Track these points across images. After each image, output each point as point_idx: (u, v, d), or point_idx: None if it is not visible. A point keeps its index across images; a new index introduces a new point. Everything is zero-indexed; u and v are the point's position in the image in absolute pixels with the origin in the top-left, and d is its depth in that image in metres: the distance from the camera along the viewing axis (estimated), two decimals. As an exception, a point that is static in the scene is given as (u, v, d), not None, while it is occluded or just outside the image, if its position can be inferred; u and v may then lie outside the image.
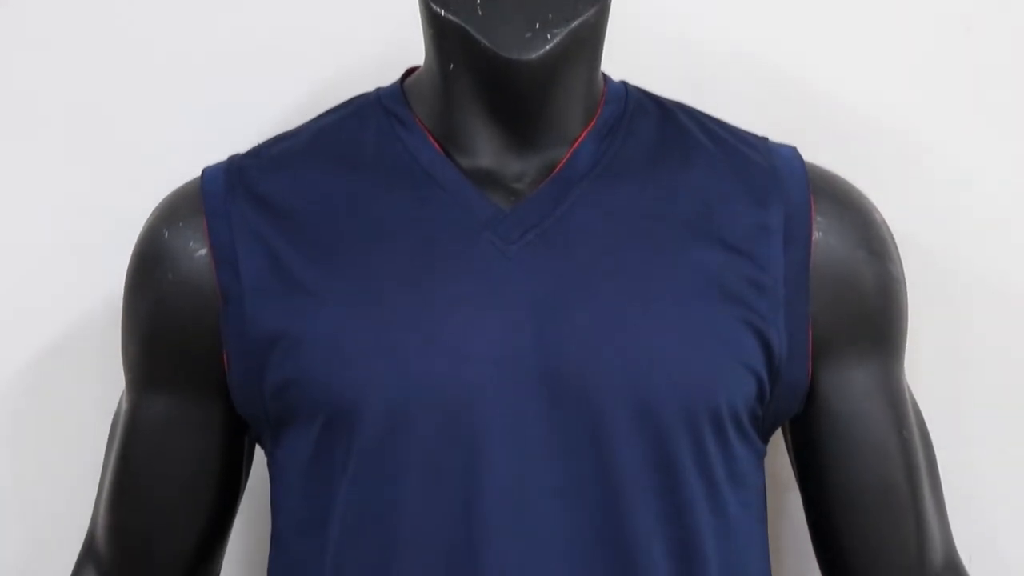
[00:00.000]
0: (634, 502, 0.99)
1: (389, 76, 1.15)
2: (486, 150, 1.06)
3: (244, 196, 1.06)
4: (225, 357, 1.05)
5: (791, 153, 1.10)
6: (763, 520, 1.09)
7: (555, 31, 1.02)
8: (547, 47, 1.01)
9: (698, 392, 1.00)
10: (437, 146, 1.06)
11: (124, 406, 1.12)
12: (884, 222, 1.12)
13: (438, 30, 1.04)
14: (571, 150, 1.06)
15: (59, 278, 1.33)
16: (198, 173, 1.10)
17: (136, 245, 1.10)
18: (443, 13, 1.03)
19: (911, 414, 1.11)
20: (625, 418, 0.99)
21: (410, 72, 1.13)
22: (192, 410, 1.09)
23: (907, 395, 1.12)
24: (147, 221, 1.11)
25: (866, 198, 1.12)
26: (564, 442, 0.99)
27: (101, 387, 1.29)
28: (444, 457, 0.99)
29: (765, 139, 1.12)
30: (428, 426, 0.99)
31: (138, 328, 1.09)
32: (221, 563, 1.19)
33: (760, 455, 1.08)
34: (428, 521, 0.99)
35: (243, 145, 1.12)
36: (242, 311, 1.04)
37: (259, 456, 1.13)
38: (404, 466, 0.99)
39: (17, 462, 1.36)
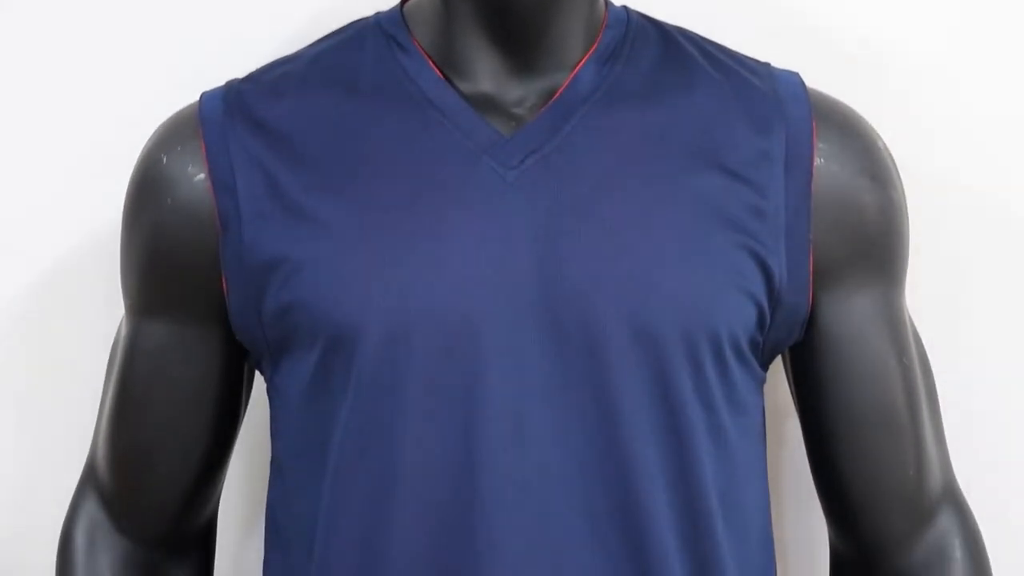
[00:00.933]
0: (633, 427, 0.99)
1: (388, 1, 1.14)
2: (486, 75, 1.05)
3: (242, 121, 1.06)
4: (224, 282, 1.05)
5: (793, 79, 1.09)
6: (762, 447, 1.09)
7: None
8: None
9: (698, 318, 1.00)
10: (437, 71, 1.05)
11: (123, 332, 1.12)
12: (887, 149, 1.11)
13: None
14: (572, 75, 1.05)
15: (58, 204, 1.33)
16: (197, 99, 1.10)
17: (134, 171, 1.10)
18: None
19: (911, 341, 1.11)
20: (624, 343, 0.99)
21: None
22: (191, 335, 1.09)
23: (907, 322, 1.12)
24: (145, 147, 1.10)
25: (869, 124, 1.11)
26: (563, 366, 0.99)
27: (101, 313, 1.29)
28: (444, 381, 0.99)
29: (767, 64, 1.11)
30: (428, 350, 0.99)
31: (137, 253, 1.09)
32: (221, 489, 1.19)
33: (760, 382, 1.08)
34: (428, 444, 0.99)
35: (243, 73, 1.11)
36: (240, 236, 1.03)
37: (259, 384, 1.14)
38: (403, 390, 0.99)
39: (17, 389, 1.36)
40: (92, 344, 1.27)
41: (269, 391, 1.09)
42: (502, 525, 0.98)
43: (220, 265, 1.05)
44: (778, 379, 1.21)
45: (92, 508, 1.15)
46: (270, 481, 1.10)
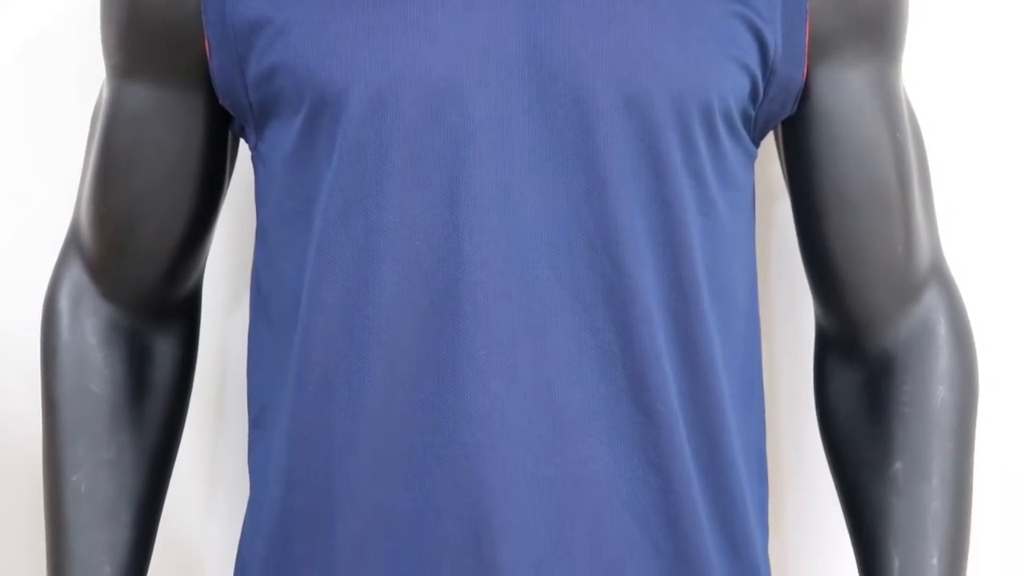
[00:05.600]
0: (620, 196, 0.98)
1: None
2: None
3: None
4: (206, 43, 1.03)
5: None
6: (751, 222, 1.09)
7: None
8: None
9: (689, 86, 0.98)
10: None
11: (105, 94, 1.10)
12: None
13: None
14: None
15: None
16: None
17: None
18: None
19: (906, 117, 1.10)
20: (613, 110, 0.97)
21: None
22: (173, 98, 1.07)
23: (903, 98, 1.10)
24: None
25: None
26: (551, 134, 0.98)
27: (83, 75, 1.27)
28: (429, 143, 0.97)
29: None
30: (413, 112, 0.97)
31: (117, 12, 1.06)
32: (205, 259, 1.19)
33: (751, 157, 1.07)
34: (412, 209, 0.98)
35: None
36: None
37: (244, 157, 1.12)
38: (388, 154, 0.98)
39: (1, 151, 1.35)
40: (76, 106, 1.25)
41: (254, 159, 1.08)
42: (486, 291, 0.98)
43: (202, 25, 1.02)
44: (769, 159, 1.20)
45: (76, 273, 1.15)
46: (255, 249, 1.09)
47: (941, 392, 1.10)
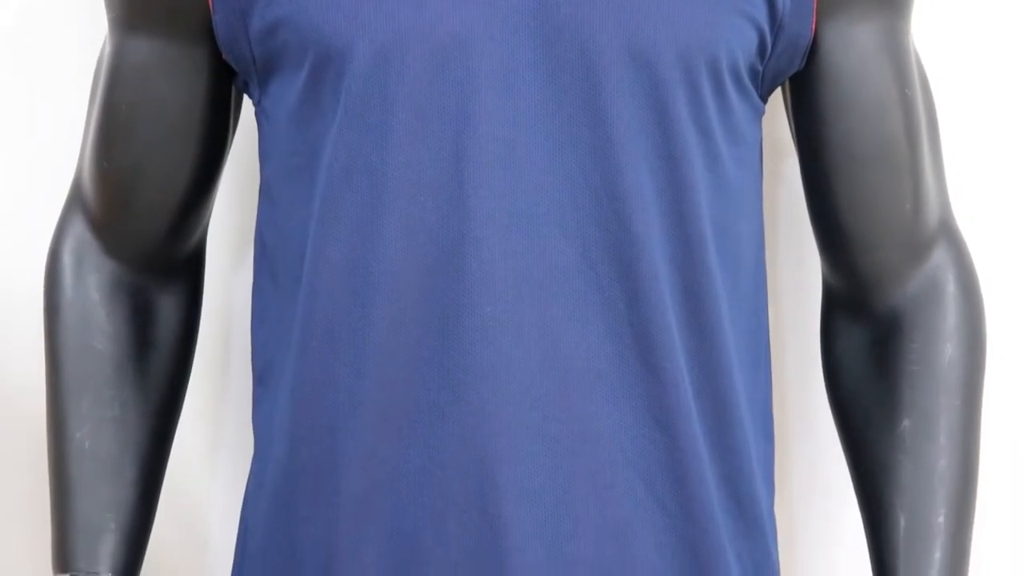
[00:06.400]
0: (627, 152, 0.98)
1: None
2: None
3: None
4: (209, -1, 1.02)
5: None
6: (758, 179, 1.08)
7: None
8: None
9: (696, 41, 0.97)
10: None
11: (107, 49, 1.09)
12: None
13: None
14: None
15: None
16: None
17: None
18: None
19: (915, 73, 1.09)
20: (620, 65, 0.96)
21: None
22: (175, 53, 1.06)
23: (912, 53, 1.09)
24: None
25: None
26: (557, 89, 0.97)
27: (86, 28, 1.26)
28: (434, 98, 0.97)
29: None
30: (418, 67, 0.96)
31: (118, -36, 1.05)
32: (209, 216, 1.19)
33: (759, 113, 1.06)
34: (417, 164, 0.97)
35: None
36: None
37: (247, 113, 1.11)
38: (393, 109, 0.97)
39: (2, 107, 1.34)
40: (79, 61, 1.24)
41: (257, 114, 1.07)
42: (492, 247, 0.97)
43: None
44: (778, 117, 1.19)
45: (79, 229, 1.14)
46: (259, 205, 1.09)
47: (949, 350, 1.09)
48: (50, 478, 1.12)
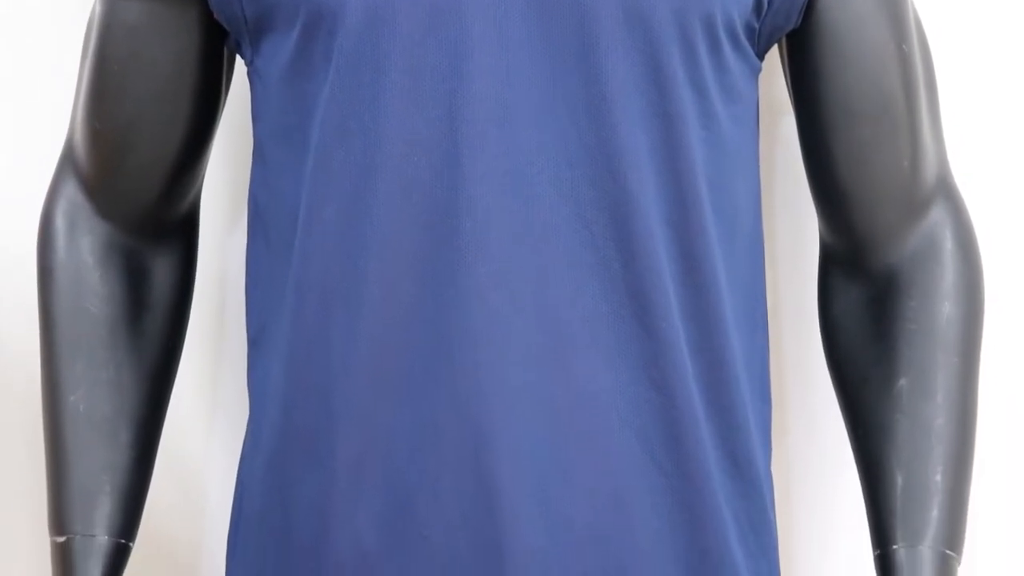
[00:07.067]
0: (621, 110, 0.97)
1: None
2: None
3: None
4: (199, -46, 1.01)
5: None
6: (754, 137, 1.08)
7: None
8: None
9: None
10: None
11: (98, 8, 1.09)
12: None
13: None
14: None
15: None
16: None
17: None
18: None
19: (913, 30, 1.08)
20: (614, 23, 0.96)
21: None
22: (166, 12, 1.05)
23: (911, 11, 1.08)
24: None
25: None
26: (551, 48, 0.96)
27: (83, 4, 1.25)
28: (427, 59, 0.96)
29: None
30: (411, 26, 0.96)
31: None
32: (202, 177, 1.18)
33: (755, 71, 1.06)
34: (410, 123, 0.97)
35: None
36: None
37: (240, 73, 1.11)
38: (386, 68, 0.96)
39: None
40: (72, 22, 1.23)
41: (250, 74, 1.06)
42: (486, 206, 0.97)
43: None
44: (774, 76, 1.18)
45: (71, 191, 1.14)
46: (252, 166, 1.08)
47: (947, 308, 1.09)
48: (45, 441, 1.12)
